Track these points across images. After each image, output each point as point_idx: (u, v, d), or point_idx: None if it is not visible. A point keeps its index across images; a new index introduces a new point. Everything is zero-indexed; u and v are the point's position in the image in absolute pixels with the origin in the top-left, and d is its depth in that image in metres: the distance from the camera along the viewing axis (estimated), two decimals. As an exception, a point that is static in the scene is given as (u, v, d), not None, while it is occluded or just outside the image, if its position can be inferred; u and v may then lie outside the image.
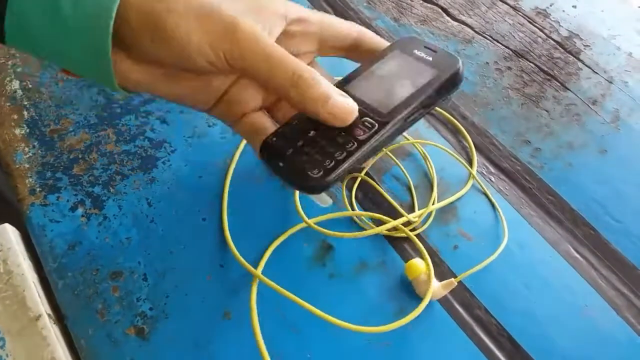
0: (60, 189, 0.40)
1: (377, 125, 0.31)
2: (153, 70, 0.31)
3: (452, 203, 0.41)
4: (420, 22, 0.53)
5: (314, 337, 0.35)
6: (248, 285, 0.36)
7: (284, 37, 0.32)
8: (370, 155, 0.31)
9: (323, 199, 0.37)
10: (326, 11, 0.54)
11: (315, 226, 0.38)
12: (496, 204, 0.41)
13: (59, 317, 0.36)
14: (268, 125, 0.33)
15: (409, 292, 0.37)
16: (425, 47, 0.34)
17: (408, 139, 0.44)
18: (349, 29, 0.35)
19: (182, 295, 0.36)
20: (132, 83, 0.31)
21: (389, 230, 0.38)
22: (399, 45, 0.35)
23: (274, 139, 0.32)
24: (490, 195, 0.41)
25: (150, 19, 0.28)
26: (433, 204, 0.40)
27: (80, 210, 0.39)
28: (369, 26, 0.53)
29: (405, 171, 0.42)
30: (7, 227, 0.38)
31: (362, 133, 0.31)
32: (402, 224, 0.38)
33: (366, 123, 0.31)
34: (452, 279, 0.36)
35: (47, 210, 0.39)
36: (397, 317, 0.35)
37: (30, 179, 0.40)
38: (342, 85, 0.34)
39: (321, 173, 0.30)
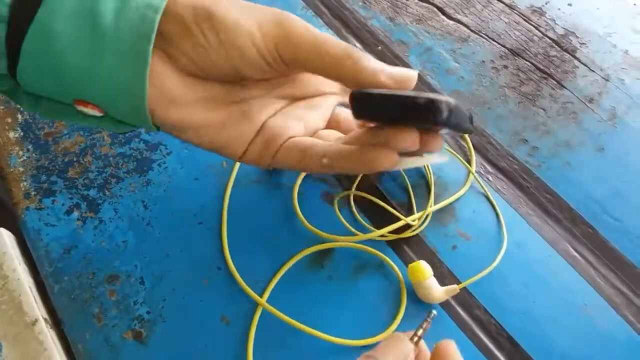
0: (56, 193, 0.40)
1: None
2: (191, 90, 0.29)
3: (450, 203, 0.41)
4: (416, 21, 0.53)
5: (312, 339, 0.34)
6: (246, 293, 0.36)
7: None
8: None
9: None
10: (321, 11, 0.54)
11: (316, 230, 0.38)
12: (495, 204, 0.41)
13: (56, 322, 0.35)
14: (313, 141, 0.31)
15: (409, 294, 0.36)
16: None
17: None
18: (343, 56, 0.28)
19: (180, 298, 0.36)
20: (166, 120, 0.29)
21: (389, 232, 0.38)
22: None
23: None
24: (489, 195, 0.41)
25: (199, 12, 0.26)
26: (431, 206, 0.40)
27: (75, 214, 0.39)
28: (364, 25, 0.53)
29: (402, 171, 0.42)
30: (2, 231, 0.38)
31: None
32: (401, 227, 0.38)
33: None
34: (455, 286, 0.36)
35: (43, 214, 0.39)
36: (394, 318, 0.35)
37: (25, 183, 0.40)
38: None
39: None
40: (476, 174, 0.42)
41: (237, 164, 0.41)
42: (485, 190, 0.42)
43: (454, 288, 0.35)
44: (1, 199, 0.40)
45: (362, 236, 0.38)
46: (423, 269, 0.36)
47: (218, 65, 0.28)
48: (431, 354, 0.26)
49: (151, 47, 0.25)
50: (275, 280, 0.36)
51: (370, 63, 0.27)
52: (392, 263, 0.37)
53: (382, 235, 0.38)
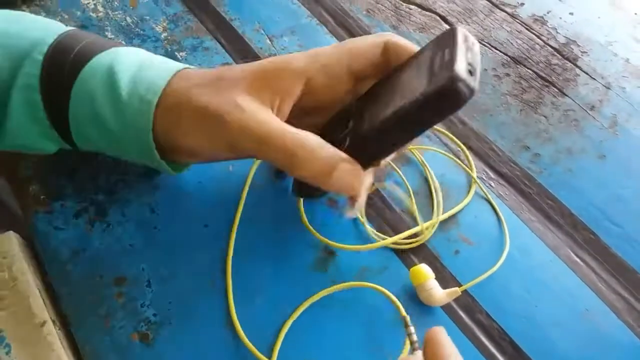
0: (64, 196, 0.40)
1: (347, 144, 0.30)
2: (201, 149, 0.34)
3: (452, 208, 0.41)
4: (419, 30, 0.54)
5: (316, 341, 0.35)
6: (251, 293, 0.36)
7: (311, 94, 0.32)
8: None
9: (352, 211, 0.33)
10: (325, 20, 0.54)
11: (321, 237, 0.38)
12: (497, 209, 0.41)
13: (64, 323, 0.36)
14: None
15: (412, 298, 0.37)
16: (448, 48, 0.26)
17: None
18: (373, 48, 0.32)
19: (186, 301, 0.36)
20: (188, 163, 0.38)
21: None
22: (436, 41, 0.28)
23: None
24: (491, 200, 0.42)
25: (168, 142, 0.32)
26: (439, 215, 0.40)
27: (84, 217, 0.39)
28: (367, 33, 0.53)
29: (404, 178, 0.43)
30: (12, 234, 0.38)
31: (342, 148, 0.30)
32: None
33: (343, 142, 0.30)
34: (457, 288, 0.36)
35: (52, 217, 0.39)
36: (398, 322, 0.36)
37: (35, 187, 0.41)
38: (368, 91, 0.32)
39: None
40: (478, 180, 0.43)
41: (253, 170, 0.42)
42: (487, 196, 0.42)
43: (456, 290, 0.36)
44: (11, 203, 0.41)
45: (369, 246, 0.38)
46: (424, 271, 0.36)
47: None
48: (423, 342, 0.26)
49: (155, 153, 0.32)
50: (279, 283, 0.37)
51: (312, 170, 0.29)
52: (395, 266, 0.38)
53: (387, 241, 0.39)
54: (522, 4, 0.57)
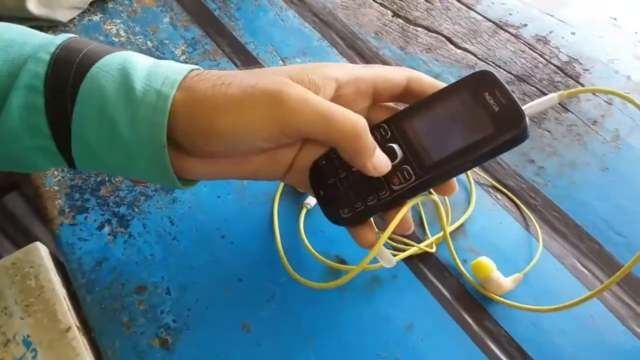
0: (88, 209, 0.42)
1: (414, 177, 0.31)
2: (217, 162, 0.32)
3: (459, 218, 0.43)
4: (425, 50, 0.56)
5: (328, 349, 0.36)
6: (265, 299, 0.38)
7: (337, 100, 0.32)
8: (401, 202, 0.32)
9: (389, 260, 0.34)
10: (335, 42, 0.57)
11: (322, 258, 0.40)
12: (503, 220, 0.43)
13: (87, 329, 0.37)
14: None
15: (421, 305, 0.38)
16: (497, 90, 0.30)
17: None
18: (400, 76, 0.33)
19: (203, 308, 0.38)
20: (199, 176, 0.33)
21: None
22: (471, 81, 0.31)
23: (324, 162, 0.33)
24: (498, 212, 0.43)
25: (196, 124, 0.29)
26: (446, 227, 0.41)
27: (106, 229, 0.41)
28: (376, 54, 0.56)
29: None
30: (39, 245, 0.40)
31: (397, 182, 0.31)
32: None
33: (405, 173, 0.31)
34: (519, 274, 0.38)
35: (76, 229, 0.41)
36: (408, 330, 0.37)
37: (60, 200, 0.43)
38: (400, 118, 0.33)
39: (350, 215, 0.32)
40: (485, 192, 0.44)
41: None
42: (493, 208, 0.43)
43: (518, 276, 0.38)
44: (38, 216, 0.43)
45: (377, 265, 0.39)
46: (487, 264, 0.38)
47: (228, 155, 0.32)
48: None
49: (166, 151, 0.29)
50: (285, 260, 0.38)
51: (362, 147, 0.29)
52: (404, 274, 0.39)
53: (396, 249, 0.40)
54: (525, 25, 0.59)
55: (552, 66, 0.55)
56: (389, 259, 0.34)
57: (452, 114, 0.31)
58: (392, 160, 0.31)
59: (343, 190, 0.32)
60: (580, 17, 0.60)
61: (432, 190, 0.33)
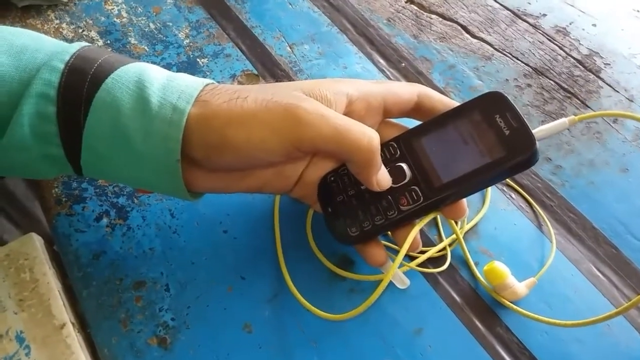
0: (86, 199, 0.41)
1: (422, 198, 0.31)
2: (226, 176, 0.32)
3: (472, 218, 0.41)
4: (440, 39, 0.54)
5: (332, 353, 0.35)
6: (268, 299, 0.36)
7: (349, 116, 0.32)
8: (409, 222, 0.32)
9: (402, 281, 0.35)
10: (346, 28, 0.54)
11: (330, 264, 0.38)
12: (517, 221, 0.41)
13: (83, 326, 0.36)
14: None
15: (430, 309, 0.37)
16: (508, 113, 0.30)
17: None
18: (410, 93, 0.34)
19: (204, 306, 0.36)
20: (207, 189, 0.33)
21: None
22: (482, 103, 0.32)
23: (332, 178, 0.33)
24: (511, 212, 0.41)
25: (211, 137, 0.29)
26: (460, 229, 0.40)
27: (105, 221, 0.40)
28: (388, 42, 0.53)
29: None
30: (34, 236, 0.39)
31: (406, 203, 0.31)
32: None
33: (414, 193, 0.31)
34: (533, 278, 0.37)
35: (73, 220, 0.40)
36: (417, 335, 0.35)
37: (57, 189, 0.41)
38: (410, 138, 0.33)
39: (357, 233, 0.32)
40: (498, 191, 0.42)
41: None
42: (507, 208, 0.42)
43: (533, 280, 0.37)
44: (34, 205, 0.41)
45: (384, 275, 0.37)
46: (501, 269, 0.36)
47: (239, 168, 0.32)
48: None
49: (179, 165, 0.29)
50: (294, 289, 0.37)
51: (372, 163, 0.30)
52: (412, 276, 0.37)
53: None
54: (545, 15, 0.56)
55: (571, 59, 0.52)
56: (403, 281, 0.35)
57: (462, 135, 0.31)
58: (400, 180, 0.32)
59: (351, 208, 0.32)
60: (602, 8, 0.57)
61: (444, 216, 0.33)
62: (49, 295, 0.36)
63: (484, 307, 0.37)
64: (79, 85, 0.28)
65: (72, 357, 0.34)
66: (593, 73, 0.51)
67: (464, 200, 0.32)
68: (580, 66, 0.52)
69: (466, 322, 0.36)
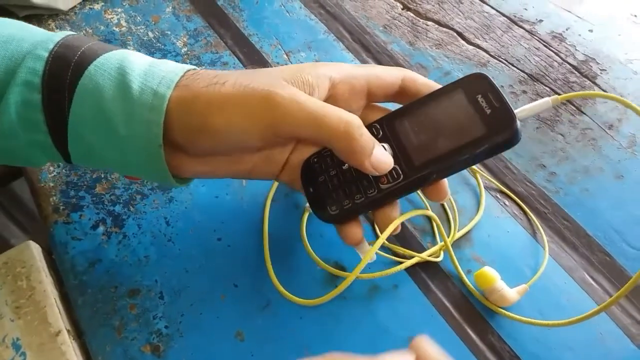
0: (83, 208, 0.41)
1: (402, 177, 0.31)
2: (212, 160, 0.33)
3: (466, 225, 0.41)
4: (435, 46, 0.54)
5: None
6: (261, 307, 0.37)
7: (332, 99, 0.32)
8: (389, 201, 0.32)
9: (364, 250, 0.34)
10: (342, 36, 0.55)
11: (324, 264, 0.38)
12: (511, 229, 0.41)
13: (78, 333, 0.37)
14: None
15: (421, 317, 0.37)
16: (490, 93, 0.30)
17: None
18: (395, 76, 0.34)
19: (197, 314, 0.37)
20: (194, 174, 0.34)
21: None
22: (465, 83, 0.32)
23: (315, 159, 0.34)
24: (505, 219, 0.41)
25: (190, 122, 0.29)
26: (452, 237, 0.40)
27: (101, 229, 0.40)
28: (384, 49, 0.54)
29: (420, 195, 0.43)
30: (31, 243, 0.39)
31: (386, 182, 0.31)
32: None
33: (394, 172, 0.31)
34: (525, 285, 0.37)
35: (70, 228, 0.40)
36: (408, 343, 0.35)
37: (54, 198, 0.42)
38: (392, 119, 0.33)
39: (337, 212, 0.32)
40: (493, 198, 0.43)
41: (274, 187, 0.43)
42: (500, 215, 0.42)
43: (525, 287, 0.37)
44: (32, 212, 0.42)
45: (380, 273, 0.37)
46: (491, 274, 0.37)
47: (223, 153, 0.32)
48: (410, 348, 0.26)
49: (162, 150, 0.29)
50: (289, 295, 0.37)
51: (358, 147, 0.29)
52: (404, 283, 0.38)
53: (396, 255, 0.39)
54: (541, 21, 0.56)
55: (567, 65, 0.52)
56: (369, 253, 0.34)
57: (444, 115, 0.32)
58: None
59: (332, 188, 0.33)
60: (598, 13, 0.57)
61: (427, 197, 0.33)
62: (45, 302, 0.36)
63: (475, 315, 0.37)
64: (63, 73, 0.29)
65: (66, 364, 0.34)
66: (589, 79, 0.51)
67: (445, 181, 0.32)
68: (576, 72, 0.52)
69: (457, 329, 0.36)
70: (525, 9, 0.58)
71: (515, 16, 0.57)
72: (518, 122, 0.29)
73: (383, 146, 0.32)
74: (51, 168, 0.44)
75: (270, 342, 0.35)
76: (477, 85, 0.31)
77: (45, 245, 0.41)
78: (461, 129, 0.30)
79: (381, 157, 0.31)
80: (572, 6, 0.58)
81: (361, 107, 0.35)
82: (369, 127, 0.33)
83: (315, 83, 0.31)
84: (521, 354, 0.35)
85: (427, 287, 0.38)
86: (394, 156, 0.31)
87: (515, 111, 0.30)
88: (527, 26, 0.56)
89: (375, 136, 0.32)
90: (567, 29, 0.56)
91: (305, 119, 0.29)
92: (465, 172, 0.44)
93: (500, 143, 0.29)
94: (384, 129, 0.33)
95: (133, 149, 0.30)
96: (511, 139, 0.29)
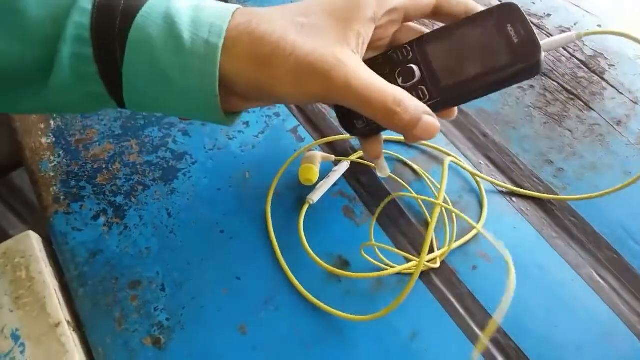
0: (84, 198, 0.41)
1: (427, 97, 0.33)
2: (264, 102, 0.37)
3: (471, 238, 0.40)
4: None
5: (327, 357, 0.35)
6: (263, 300, 0.36)
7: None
8: None
9: (383, 169, 0.39)
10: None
11: (323, 263, 0.38)
12: (517, 225, 0.40)
13: (78, 325, 0.36)
14: None
15: (426, 313, 0.36)
16: (519, 24, 0.31)
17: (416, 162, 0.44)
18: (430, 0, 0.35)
19: (199, 307, 0.36)
20: (245, 110, 0.36)
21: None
22: (497, 12, 0.33)
23: None
24: (512, 216, 0.41)
25: (252, 86, 0.31)
26: (452, 241, 0.39)
27: (102, 219, 0.40)
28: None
29: (431, 186, 0.42)
30: (31, 234, 0.39)
31: None
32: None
33: (420, 92, 0.33)
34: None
35: (70, 218, 0.40)
36: (413, 339, 0.35)
37: (55, 187, 0.41)
38: (423, 41, 0.34)
39: (363, 126, 0.34)
40: (499, 194, 0.42)
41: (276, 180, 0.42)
42: (507, 211, 0.41)
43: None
44: (31, 203, 0.41)
45: (381, 273, 0.37)
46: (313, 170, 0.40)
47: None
48: None
49: (218, 99, 0.30)
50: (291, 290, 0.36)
51: (404, 122, 0.31)
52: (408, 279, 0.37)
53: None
54: (549, 15, 0.56)
55: (575, 60, 0.52)
56: (385, 170, 0.39)
57: (473, 41, 0.33)
58: (410, 80, 0.34)
59: None
60: (607, 8, 0.57)
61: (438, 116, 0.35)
62: (45, 293, 0.36)
63: (481, 312, 0.36)
64: (111, 25, 0.29)
65: (66, 356, 0.34)
66: (597, 74, 0.50)
67: None
68: (584, 67, 0.51)
69: (463, 326, 0.36)
70: (534, 3, 0.57)
71: (523, 10, 0.56)
72: (542, 53, 0.31)
73: (412, 67, 0.34)
74: (52, 157, 0.43)
75: (272, 336, 0.35)
76: (508, 15, 0.32)
77: (45, 236, 0.40)
78: (489, 56, 0.32)
79: (426, 127, 0.32)
80: (580, 1, 0.57)
81: (396, 28, 0.36)
82: (401, 48, 0.35)
83: (363, 31, 0.32)
84: (528, 353, 0.35)
85: (432, 283, 0.38)
86: (421, 77, 0.33)
87: (541, 42, 0.31)
88: (535, 20, 0.55)
89: (405, 57, 0.34)
90: (575, 24, 0.55)
91: (355, 100, 0.31)
92: (468, 174, 0.43)
93: (523, 71, 0.31)
94: (415, 51, 0.34)
95: (189, 99, 0.31)
96: (534, 67, 0.31)
